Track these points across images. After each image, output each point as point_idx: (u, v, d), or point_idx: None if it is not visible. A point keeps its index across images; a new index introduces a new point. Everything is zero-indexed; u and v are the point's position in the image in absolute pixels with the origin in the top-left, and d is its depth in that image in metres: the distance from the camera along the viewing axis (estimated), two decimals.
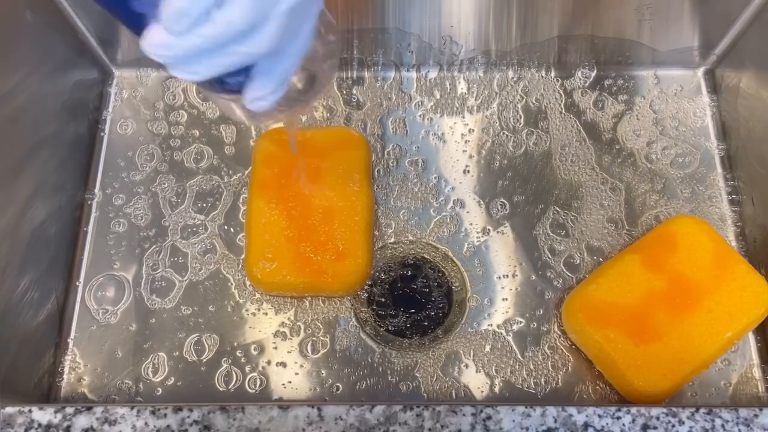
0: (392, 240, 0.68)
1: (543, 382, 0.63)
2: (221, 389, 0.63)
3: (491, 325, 0.65)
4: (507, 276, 0.67)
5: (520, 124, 0.74)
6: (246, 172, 0.72)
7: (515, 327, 0.64)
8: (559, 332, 0.64)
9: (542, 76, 0.76)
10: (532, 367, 0.63)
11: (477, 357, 0.63)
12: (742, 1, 0.68)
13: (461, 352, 0.64)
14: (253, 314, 0.66)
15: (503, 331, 0.64)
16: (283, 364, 0.64)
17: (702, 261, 0.60)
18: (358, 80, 0.76)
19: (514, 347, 0.64)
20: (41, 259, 0.64)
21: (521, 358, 0.63)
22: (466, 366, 0.63)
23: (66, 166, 0.70)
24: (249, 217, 0.65)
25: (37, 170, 0.65)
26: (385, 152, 0.72)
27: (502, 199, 0.70)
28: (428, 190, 0.71)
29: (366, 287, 0.66)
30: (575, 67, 0.76)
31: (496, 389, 0.62)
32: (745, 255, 0.67)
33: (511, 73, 0.76)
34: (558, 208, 0.70)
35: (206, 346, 0.65)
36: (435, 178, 0.71)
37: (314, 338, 0.64)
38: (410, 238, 0.68)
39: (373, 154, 0.71)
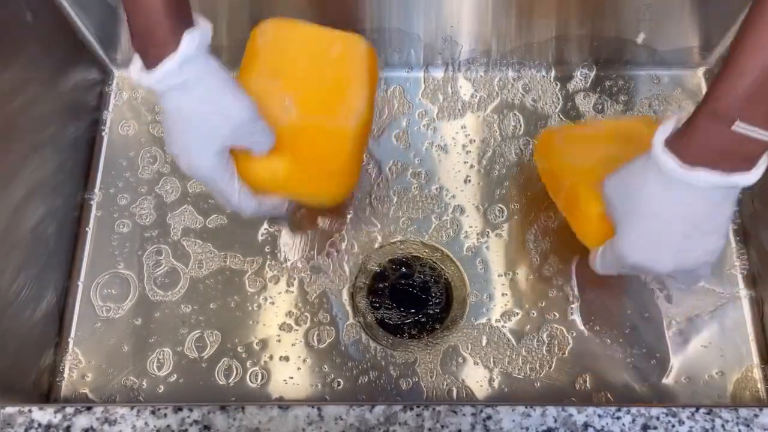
0: (395, 240, 0.68)
1: (538, 367, 0.63)
2: (222, 384, 0.63)
3: (489, 320, 0.65)
4: (504, 275, 0.67)
5: (520, 129, 0.74)
6: None
7: (512, 321, 0.65)
8: (554, 324, 0.64)
9: (542, 77, 0.76)
10: (525, 353, 0.63)
11: (475, 350, 0.63)
12: (742, 1, 0.68)
13: (460, 345, 0.64)
14: (255, 311, 0.66)
15: (500, 325, 0.64)
16: (286, 359, 0.64)
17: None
18: None
19: (511, 338, 0.64)
20: (40, 259, 0.64)
21: (516, 346, 0.63)
22: (463, 360, 0.63)
23: (65, 166, 0.70)
24: None
25: (37, 170, 0.65)
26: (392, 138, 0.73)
27: (500, 205, 0.70)
28: (430, 197, 0.71)
29: (366, 283, 0.66)
30: (575, 67, 0.76)
31: (494, 376, 0.62)
32: (744, 254, 0.67)
33: (511, 73, 0.76)
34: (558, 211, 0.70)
35: (208, 342, 0.65)
36: (437, 189, 0.71)
37: (315, 335, 0.65)
38: (411, 238, 0.69)
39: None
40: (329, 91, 0.58)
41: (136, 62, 0.45)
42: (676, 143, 0.42)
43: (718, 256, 0.46)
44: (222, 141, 0.48)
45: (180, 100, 0.45)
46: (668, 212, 0.44)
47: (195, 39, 0.44)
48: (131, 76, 0.46)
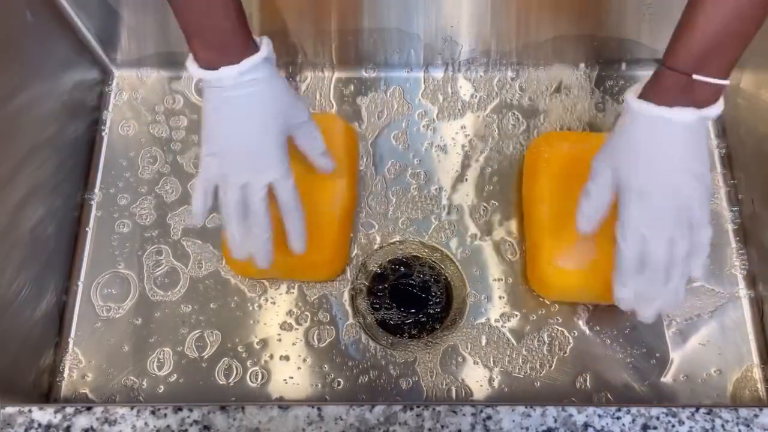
0: (394, 240, 0.68)
1: (538, 366, 0.63)
2: (222, 383, 0.63)
3: (489, 319, 0.65)
4: (505, 275, 0.67)
5: (519, 129, 0.74)
6: None
7: (512, 321, 0.65)
8: (554, 324, 0.64)
9: (542, 77, 0.76)
10: (525, 352, 0.63)
11: (474, 350, 0.63)
12: None
13: (459, 345, 0.64)
14: (255, 311, 0.66)
15: (499, 325, 0.64)
16: (286, 358, 0.64)
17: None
18: (355, 81, 0.76)
19: (510, 338, 0.64)
20: (40, 259, 0.64)
21: (516, 345, 0.63)
22: (463, 360, 0.63)
23: (65, 166, 0.70)
24: None
25: (36, 170, 0.65)
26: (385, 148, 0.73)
27: (499, 205, 0.70)
28: (429, 197, 0.71)
29: (366, 284, 0.66)
30: (575, 67, 0.76)
31: (494, 376, 0.62)
32: (744, 254, 0.67)
33: (510, 73, 0.76)
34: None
35: (209, 342, 0.65)
36: (436, 189, 0.71)
37: (315, 334, 0.65)
38: (410, 238, 0.69)
39: (361, 145, 0.72)
40: (312, 179, 0.62)
41: (193, 63, 0.53)
42: (649, 94, 0.49)
43: (708, 186, 0.50)
44: (285, 132, 0.55)
45: (251, 94, 0.52)
46: (664, 148, 0.49)
47: (269, 45, 0.53)
48: (192, 73, 0.52)
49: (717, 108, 0.48)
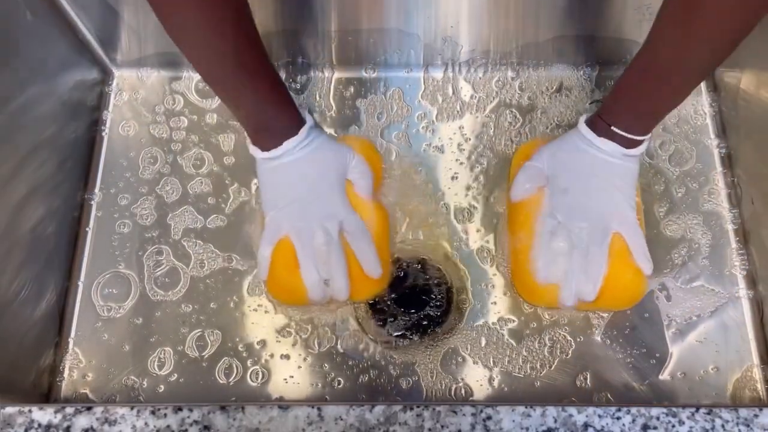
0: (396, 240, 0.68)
1: (538, 366, 0.63)
2: (223, 383, 0.63)
3: (489, 321, 0.65)
4: (505, 275, 0.67)
5: (518, 129, 0.74)
6: (246, 175, 0.72)
7: (512, 321, 0.65)
8: (553, 323, 0.64)
9: (542, 77, 0.76)
10: (525, 353, 0.63)
11: (474, 351, 0.63)
12: None
13: (459, 346, 0.64)
14: (255, 311, 0.66)
15: (500, 326, 0.64)
16: (287, 357, 0.64)
17: None
18: (355, 81, 0.76)
19: (511, 339, 0.64)
20: (40, 258, 0.64)
21: (516, 346, 0.63)
22: (463, 359, 0.63)
23: (65, 166, 0.70)
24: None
25: (36, 170, 0.65)
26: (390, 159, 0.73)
27: (498, 204, 0.70)
28: (427, 196, 0.71)
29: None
30: (575, 67, 0.76)
31: (494, 375, 0.62)
32: (744, 254, 0.67)
33: (510, 73, 0.76)
34: None
35: (209, 341, 0.65)
36: (434, 184, 0.71)
37: (315, 334, 0.65)
38: (409, 238, 0.69)
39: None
40: (355, 203, 0.63)
41: (254, 147, 0.61)
42: (589, 123, 0.62)
43: (626, 205, 0.60)
44: (343, 175, 0.63)
45: (308, 154, 0.61)
46: (589, 162, 0.61)
47: (309, 114, 0.62)
48: (255, 155, 0.61)
49: (636, 150, 0.60)
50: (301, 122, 0.61)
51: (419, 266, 0.67)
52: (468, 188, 0.71)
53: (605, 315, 0.65)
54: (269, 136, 0.60)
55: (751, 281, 0.66)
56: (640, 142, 0.59)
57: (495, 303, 0.66)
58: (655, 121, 0.60)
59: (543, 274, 0.60)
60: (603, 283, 0.59)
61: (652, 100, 0.57)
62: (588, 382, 0.63)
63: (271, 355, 0.64)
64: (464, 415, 0.44)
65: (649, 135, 0.60)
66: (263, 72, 0.57)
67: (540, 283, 0.60)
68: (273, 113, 0.60)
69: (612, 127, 0.58)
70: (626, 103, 0.59)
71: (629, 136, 0.58)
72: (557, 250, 0.59)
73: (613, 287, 0.59)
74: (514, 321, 0.65)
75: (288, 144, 0.59)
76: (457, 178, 0.71)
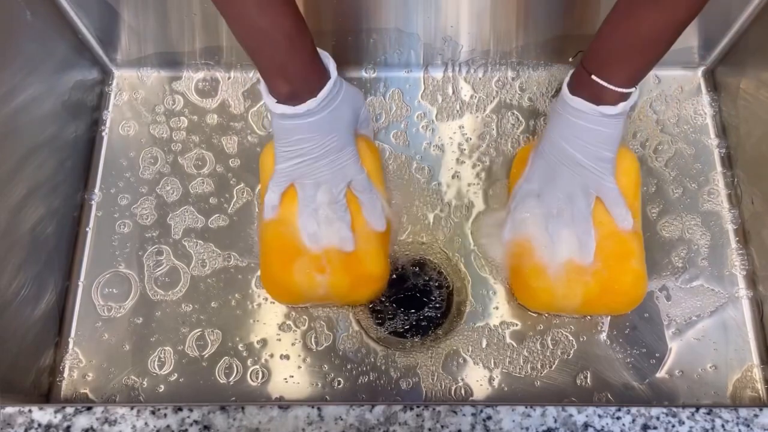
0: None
1: (539, 366, 0.63)
2: (223, 382, 0.63)
3: (490, 321, 0.65)
4: (507, 280, 0.67)
5: (519, 128, 0.74)
6: (246, 176, 0.72)
7: (513, 322, 0.65)
8: (554, 323, 0.64)
9: (542, 77, 0.76)
10: (527, 353, 0.63)
11: (475, 351, 0.63)
12: (742, 1, 0.68)
13: (460, 347, 0.64)
14: (256, 308, 0.66)
15: (501, 327, 0.64)
16: (287, 357, 0.64)
17: None
18: (355, 81, 0.76)
19: (512, 340, 0.64)
20: (39, 258, 0.64)
21: (517, 347, 0.63)
22: (463, 360, 0.63)
23: (65, 166, 0.70)
24: (266, 225, 0.62)
25: (36, 170, 0.65)
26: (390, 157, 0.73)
27: (504, 200, 0.70)
28: (428, 195, 0.71)
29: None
30: (575, 67, 0.76)
31: (495, 375, 0.62)
32: (744, 253, 0.67)
33: (510, 73, 0.76)
34: None
35: (209, 341, 0.65)
36: (435, 184, 0.71)
37: (315, 334, 0.65)
38: (409, 239, 0.69)
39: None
40: (351, 199, 0.62)
41: (270, 98, 0.57)
42: (569, 81, 0.59)
43: (605, 169, 0.59)
44: (354, 128, 0.62)
45: (330, 113, 0.57)
46: (568, 124, 0.58)
47: (333, 63, 0.58)
48: (271, 108, 0.56)
49: (613, 108, 0.56)
50: (325, 77, 0.57)
51: (418, 267, 0.67)
52: (469, 186, 0.71)
53: (605, 315, 0.65)
54: (290, 91, 0.56)
55: (751, 281, 0.66)
56: (618, 100, 0.56)
57: (495, 304, 0.66)
58: (643, 63, 0.56)
59: (509, 233, 0.62)
60: (602, 286, 0.59)
61: (639, 34, 0.53)
62: (588, 382, 0.63)
63: (271, 355, 0.64)
64: (464, 415, 0.44)
65: (634, 90, 0.56)
66: (296, 16, 0.54)
67: (507, 240, 0.62)
68: (304, 50, 0.55)
69: (593, 77, 0.56)
70: (612, 40, 0.55)
71: (612, 88, 0.55)
72: (527, 208, 0.61)
73: (613, 291, 0.59)
74: (515, 317, 0.65)
75: (311, 104, 0.56)
76: (459, 176, 0.71)
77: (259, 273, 0.67)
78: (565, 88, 0.59)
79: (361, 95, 0.64)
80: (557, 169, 0.60)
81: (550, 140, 0.60)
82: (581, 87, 0.57)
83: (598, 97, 0.56)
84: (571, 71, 0.60)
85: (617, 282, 0.59)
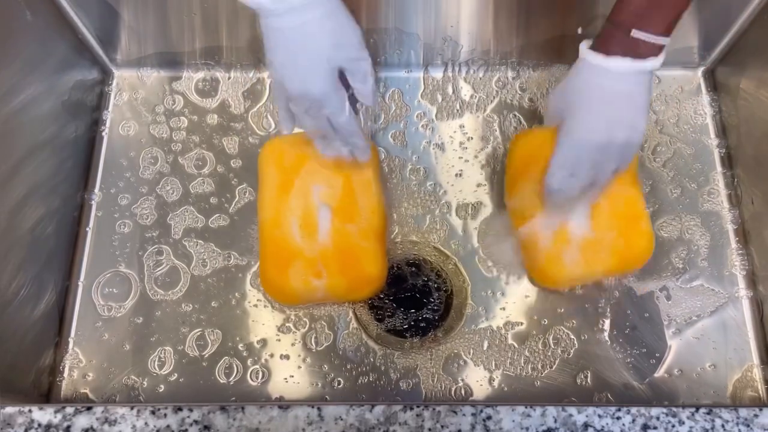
0: (396, 240, 0.68)
1: (540, 366, 0.63)
2: (223, 382, 0.63)
3: (490, 322, 0.65)
4: (505, 275, 0.67)
5: (518, 129, 0.74)
6: (247, 176, 0.72)
7: (513, 323, 0.65)
8: (554, 323, 0.64)
9: (542, 77, 0.76)
10: (528, 353, 0.63)
11: (476, 353, 0.63)
12: (742, 1, 0.68)
13: (461, 349, 0.64)
14: (255, 306, 0.66)
15: (501, 327, 0.64)
16: (287, 357, 0.64)
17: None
18: None
19: (513, 340, 0.64)
20: (39, 258, 0.64)
21: (518, 347, 0.63)
22: (464, 361, 0.63)
23: (65, 166, 0.70)
24: (263, 227, 0.63)
25: (36, 170, 0.65)
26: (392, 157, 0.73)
27: (503, 203, 0.70)
28: (427, 196, 0.71)
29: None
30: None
31: (495, 375, 0.62)
32: (744, 253, 0.67)
33: (510, 73, 0.76)
34: None
35: (209, 341, 0.65)
36: (431, 185, 0.71)
37: (314, 334, 0.65)
38: (408, 239, 0.69)
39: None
40: (348, 199, 0.62)
41: None
42: (596, 46, 0.54)
43: (641, 135, 0.56)
44: (336, 61, 0.52)
45: (303, 17, 0.50)
46: (601, 95, 0.55)
47: None
48: (245, 2, 0.49)
49: (655, 61, 0.53)
50: None
51: (417, 267, 0.67)
52: (469, 185, 0.71)
53: (608, 314, 0.65)
54: None
55: (751, 281, 0.66)
56: (657, 52, 0.53)
57: (497, 305, 0.66)
58: (679, 8, 0.52)
59: (556, 180, 0.58)
60: (610, 244, 0.61)
61: None
62: (588, 382, 0.63)
63: (271, 355, 0.64)
64: (464, 415, 0.44)
65: (665, 41, 0.53)
66: None
67: (549, 186, 0.59)
68: None
69: (633, 32, 0.52)
70: None
71: (651, 38, 0.52)
72: (574, 178, 0.58)
73: (621, 247, 0.61)
74: (515, 317, 0.65)
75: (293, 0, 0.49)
76: (460, 175, 0.71)
77: (254, 270, 0.67)
78: (589, 52, 0.54)
79: (357, 32, 0.54)
80: (588, 151, 0.56)
81: (578, 119, 0.56)
82: (609, 46, 0.53)
83: (635, 53, 0.53)
84: (583, 42, 0.56)
85: (625, 238, 0.61)
